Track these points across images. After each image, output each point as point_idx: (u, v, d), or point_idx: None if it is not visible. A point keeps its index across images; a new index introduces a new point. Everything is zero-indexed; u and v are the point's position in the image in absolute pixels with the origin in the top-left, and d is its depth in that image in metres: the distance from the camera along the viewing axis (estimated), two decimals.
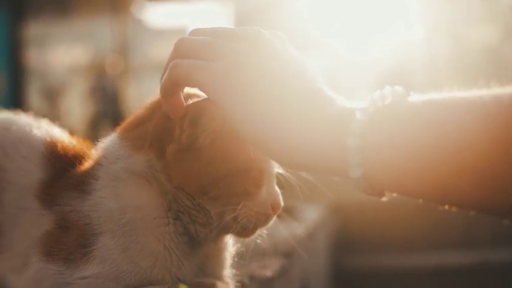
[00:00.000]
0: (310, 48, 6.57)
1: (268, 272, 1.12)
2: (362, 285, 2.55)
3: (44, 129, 0.96)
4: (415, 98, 0.71)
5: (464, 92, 0.68)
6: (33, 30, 6.67)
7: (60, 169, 0.92)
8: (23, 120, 0.97)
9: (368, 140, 0.68)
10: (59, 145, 0.94)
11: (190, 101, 0.84)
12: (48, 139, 0.94)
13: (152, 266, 0.84)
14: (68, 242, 0.85)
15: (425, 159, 0.65)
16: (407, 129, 0.68)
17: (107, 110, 6.33)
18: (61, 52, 7.26)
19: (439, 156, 0.64)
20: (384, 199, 0.72)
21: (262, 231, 0.90)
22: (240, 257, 0.95)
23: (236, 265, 0.95)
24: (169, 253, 0.85)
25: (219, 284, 0.88)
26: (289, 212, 0.97)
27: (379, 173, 0.68)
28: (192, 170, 0.84)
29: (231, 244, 0.93)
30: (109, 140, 0.91)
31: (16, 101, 6.34)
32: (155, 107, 0.88)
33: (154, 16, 7.91)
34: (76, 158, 0.92)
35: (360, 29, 6.81)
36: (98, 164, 0.89)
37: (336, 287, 2.42)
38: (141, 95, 7.57)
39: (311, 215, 2.04)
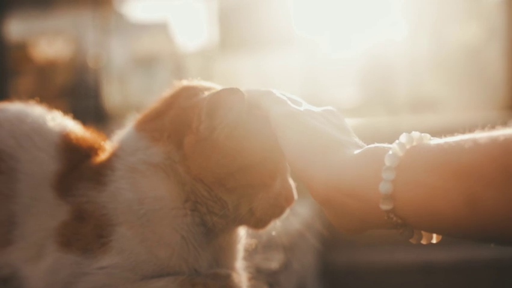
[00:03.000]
0: (293, 44, 6.59)
1: (274, 265, 1.14)
2: (349, 282, 2.56)
3: (58, 121, 0.97)
4: (434, 141, 0.74)
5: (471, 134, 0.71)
6: (15, 24, 6.62)
7: (75, 160, 0.93)
8: (37, 111, 0.97)
9: (398, 176, 0.72)
10: (73, 137, 0.95)
11: (207, 93, 0.86)
12: (62, 131, 0.95)
13: (170, 257, 0.85)
14: (85, 233, 0.86)
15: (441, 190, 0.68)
16: (429, 167, 0.70)
17: (88, 105, 6.33)
18: (43, 46, 7.21)
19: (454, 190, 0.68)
20: (413, 241, 0.76)
21: (276, 223, 0.91)
22: (246, 249, 0.96)
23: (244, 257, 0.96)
24: (186, 244, 0.86)
25: (234, 274, 0.89)
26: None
27: (406, 204, 0.72)
28: (210, 161, 0.85)
29: (243, 236, 0.95)
30: (125, 132, 0.92)
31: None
32: (172, 100, 0.89)
33: (135, 10, 7.88)
34: (91, 150, 0.93)
35: (344, 26, 6.84)
36: (114, 155, 0.90)
37: (323, 283, 2.44)
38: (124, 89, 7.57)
39: (302, 210, 2.05)
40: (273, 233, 0.93)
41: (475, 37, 7.12)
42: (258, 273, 1.04)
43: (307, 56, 6.85)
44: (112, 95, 7.13)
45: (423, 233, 0.76)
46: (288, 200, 0.89)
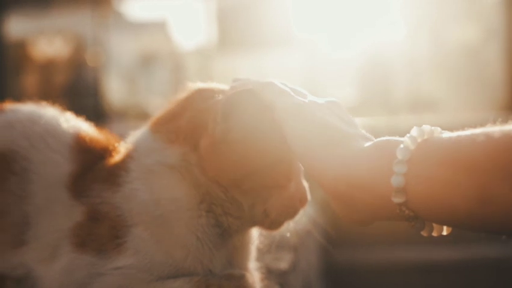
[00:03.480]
0: (292, 44, 6.60)
1: (283, 265, 1.15)
2: (350, 280, 2.57)
3: (71, 122, 0.97)
4: (445, 135, 0.75)
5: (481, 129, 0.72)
6: (14, 23, 6.61)
7: (89, 162, 0.93)
8: (50, 113, 0.98)
9: (410, 169, 0.73)
10: (87, 138, 0.95)
11: (222, 96, 0.86)
12: (76, 132, 0.96)
13: (185, 258, 0.86)
14: (100, 233, 0.86)
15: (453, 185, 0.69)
16: (442, 161, 0.71)
17: (88, 103, 6.33)
18: (42, 45, 7.21)
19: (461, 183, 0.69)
20: (424, 233, 0.77)
21: (289, 224, 0.92)
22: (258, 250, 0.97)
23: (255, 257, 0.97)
24: (201, 245, 0.87)
25: (248, 275, 0.89)
26: None
27: (419, 197, 0.73)
28: (226, 163, 0.85)
29: (256, 237, 0.95)
30: (139, 134, 0.93)
31: None
32: (187, 102, 0.90)
33: (134, 9, 7.88)
34: (104, 151, 0.94)
35: (343, 26, 6.85)
36: (129, 157, 0.90)
37: (325, 282, 2.45)
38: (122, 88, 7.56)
39: (308, 209, 2.06)
40: (287, 235, 0.94)
41: (473, 37, 7.13)
42: (268, 274, 1.05)
43: (306, 55, 6.85)
44: (111, 94, 7.13)
45: (434, 225, 0.77)
46: (302, 201, 0.90)
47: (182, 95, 0.92)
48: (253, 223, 0.90)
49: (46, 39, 7.24)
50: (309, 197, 0.91)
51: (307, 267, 1.51)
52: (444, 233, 0.78)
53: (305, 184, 0.91)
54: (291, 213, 0.90)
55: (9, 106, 1.00)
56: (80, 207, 0.89)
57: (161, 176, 0.87)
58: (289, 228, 0.92)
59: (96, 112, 5.82)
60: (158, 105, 8.36)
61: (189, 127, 0.87)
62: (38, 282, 0.91)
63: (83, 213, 0.89)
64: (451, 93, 6.81)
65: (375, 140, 0.79)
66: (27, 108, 0.99)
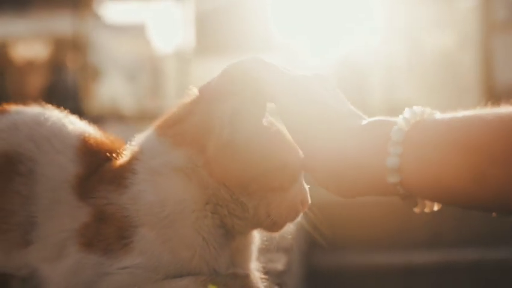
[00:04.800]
0: (270, 49, 6.62)
1: (279, 266, 1.17)
2: (329, 284, 2.59)
3: (76, 125, 0.99)
4: (438, 116, 0.78)
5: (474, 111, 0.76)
6: None
7: (94, 163, 0.95)
8: (55, 115, 1.00)
9: (405, 150, 0.76)
10: (92, 140, 0.97)
11: (229, 99, 0.89)
12: (81, 135, 0.98)
13: (191, 257, 0.88)
14: (107, 234, 0.88)
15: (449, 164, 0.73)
16: (437, 143, 0.75)
17: (67, 106, 6.27)
18: (21, 47, 7.18)
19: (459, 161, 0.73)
20: (416, 210, 0.81)
21: (290, 226, 0.94)
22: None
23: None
24: (207, 245, 0.89)
25: (252, 274, 0.92)
26: None
27: (414, 177, 0.76)
28: (233, 165, 0.88)
29: (257, 238, 0.98)
30: (144, 137, 0.95)
31: None
32: (193, 105, 0.92)
33: (113, 13, 7.87)
34: (110, 153, 0.96)
35: (320, 32, 6.89)
36: (135, 159, 0.92)
37: (306, 285, 2.46)
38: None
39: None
40: (289, 236, 0.96)
41: (449, 44, 7.21)
42: (265, 274, 1.07)
43: (284, 61, 6.87)
44: (91, 97, 7.11)
45: (426, 202, 0.80)
46: (303, 204, 0.93)
47: (187, 98, 0.94)
48: (256, 224, 0.92)
49: (25, 42, 7.20)
50: (309, 200, 0.94)
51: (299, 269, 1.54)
52: (435, 209, 0.81)
53: (306, 187, 0.94)
54: (292, 215, 0.92)
55: (13, 108, 1.01)
56: (86, 208, 0.91)
57: (168, 177, 0.89)
58: (289, 230, 0.95)
59: (75, 115, 5.80)
60: (137, 108, 8.35)
61: (196, 130, 0.89)
62: (43, 281, 0.92)
63: (89, 214, 0.90)
64: (427, 99, 6.87)
65: (370, 120, 0.82)
66: (32, 110, 1.00)
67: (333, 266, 2.63)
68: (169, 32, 8.07)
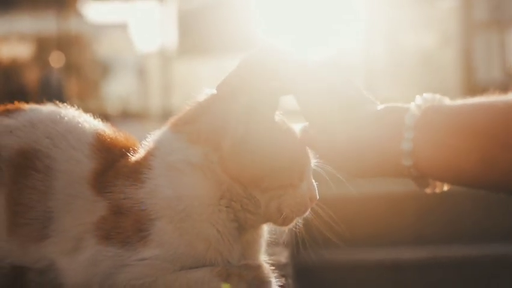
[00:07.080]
0: (251, 49, 6.64)
1: (282, 259, 1.21)
2: (317, 279, 2.62)
3: (91, 122, 1.03)
4: (448, 102, 0.84)
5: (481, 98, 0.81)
6: None
7: (109, 159, 0.99)
8: (70, 113, 1.03)
9: (417, 134, 0.82)
10: (106, 137, 1.01)
11: (242, 98, 0.92)
12: (96, 131, 1.01)
13: (207, 249, 0.92)
14: (125, 226, 0.92)
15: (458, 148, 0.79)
16: (447, 128, 0.80)
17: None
18: (5, 47, 7.15)
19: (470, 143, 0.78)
20: (427, 191, 0.85)
21: (298, 221, 0.99)
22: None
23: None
24: (221, 237, 0.93)
25: (264, 265, 0.96)
26: None
27: (426, 160, 0.82)
28: (246, 163, 0.92)
29: (266, 231, 1.02)
30: (160, 134, 0.98)
31: None
32: (208, 103, 0.96)
33: (97, 12, 7.87)
34: (124, 150, 0.99)
35: (303, 32, 6.92)
36: (151, 155, 0.96)
37: (296, 280, 2.48)
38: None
39: None
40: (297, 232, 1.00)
41: (430, 44, 7.28)
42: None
43: None
44: (74, 95, 7.11)
45: (437, 183, 0.86)
46: (312, 200, 0.97)
47: (201, 97, 0.97)
48: (268, 219, 0.96)
49: (9, 41, 7.17)
50: (317, 196, 0.98)
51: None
52: (445, 189, 0.87)
53: (314, 184, 0.98)
54: (302, 211, 0.97)
55: (29, 106, 1.04)
56: (103, 203, 0.94)
57: (184, 173, 0.93)
58: (297, 224, 0.99)
59: None
60: (120, 106, 8.34)
61: (211, 128, 0.93)
62: (61, 274, 0.95)
63: (106, 208, 0.94)
64: (408, 98, 6.92)
65: (384, 106, 0.88)
66: (48, 108, 1.04)
67: (320, 262, 2.65)
68: (151, 32, 8.08)
